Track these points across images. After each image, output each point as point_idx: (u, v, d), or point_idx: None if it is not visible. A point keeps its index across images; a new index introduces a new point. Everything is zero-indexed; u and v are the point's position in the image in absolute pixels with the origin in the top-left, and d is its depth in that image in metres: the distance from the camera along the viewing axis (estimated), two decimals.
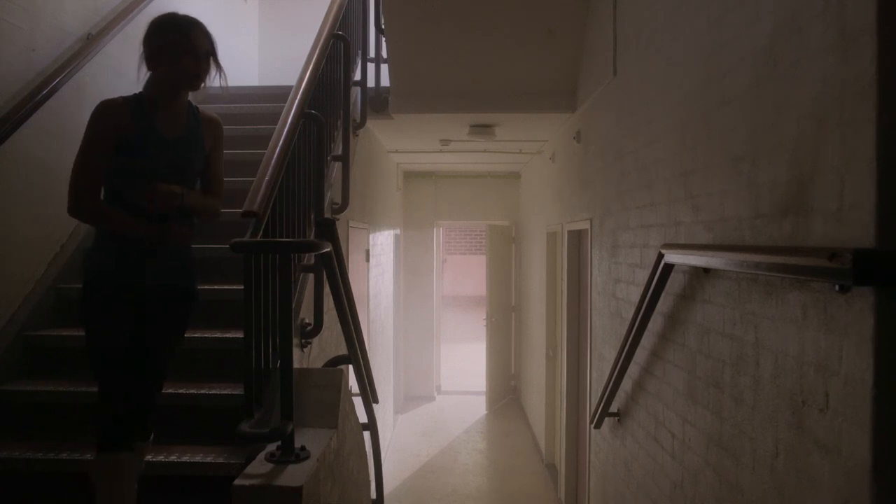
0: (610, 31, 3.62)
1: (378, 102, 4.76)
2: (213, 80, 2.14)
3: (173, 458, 2.28)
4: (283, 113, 2.77)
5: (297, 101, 2.84)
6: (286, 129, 2.66)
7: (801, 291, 1.60)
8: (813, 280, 1.52)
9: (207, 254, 3.20)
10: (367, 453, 3.37)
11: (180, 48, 2.03)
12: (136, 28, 3.91)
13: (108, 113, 1.98)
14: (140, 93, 2.08)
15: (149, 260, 2.04)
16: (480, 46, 4.40)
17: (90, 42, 3.35)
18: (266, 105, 4.49)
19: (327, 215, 3.41)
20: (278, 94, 3.64)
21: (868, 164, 1.35)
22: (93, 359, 1.99)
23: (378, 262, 6.49)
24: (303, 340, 2.89)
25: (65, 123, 3.22)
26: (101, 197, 2.03)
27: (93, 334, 2.00)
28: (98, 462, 1.93)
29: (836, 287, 1.41)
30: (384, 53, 4.67)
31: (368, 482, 3.38)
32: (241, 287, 2.23)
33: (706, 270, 2.25)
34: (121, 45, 3.74)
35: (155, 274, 2.06)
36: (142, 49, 2.04)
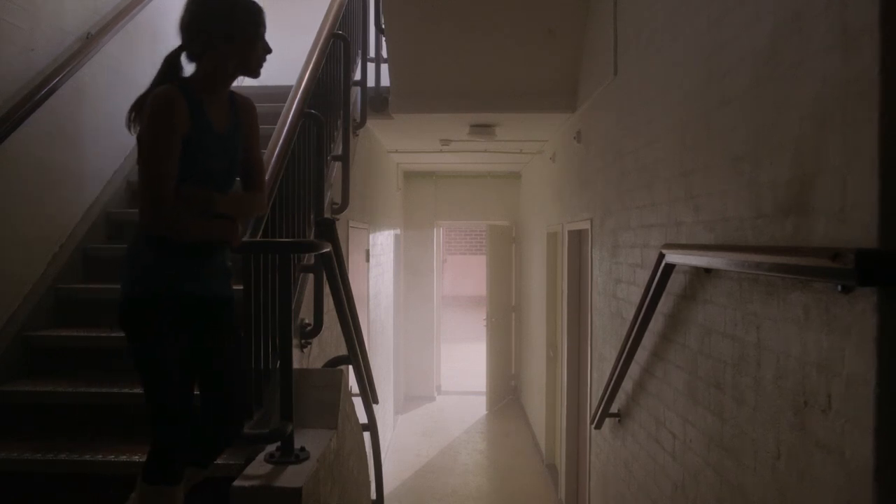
0: (610, 31, 3.61)
1: (378, 102, 4.75)
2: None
3: None
4: (283, 113, 2.77)
5: (296, 100, 2.83)
6: (286, 129, 2.66)
7: (802, 292, 1.60)
8: (815, 280, 1.51)
9: None
10: (367, 454, 3.37)
11: (260, 31, 1.84)
12: (136, 27, 3.91)
13: (175, 108, 1.73)
14: (186, 81, 1.83)
15: (206, 268, 1.87)
16: (481, 46, 4.40)
17: (90, 42, 3.34)
18: (266, 105, 4.46)
19: (327, 215, 3.40)
20: (278, 94, 3.62)
21: (870, 164, 1.34)
22: (153, 381, 1.77)
23: (378, 262, 6.48)
24: (302, 341, 2.88)
25: (64, 123, 3.21)
26: None
27: (153, 354, 1.77)
28: (147, 495, 1.76)
29: (839, 287, 1.40)
30: (384, 53, 4.67)
31: (368, 482, 3.37)
32: (241, 287, 2.22)
33: (707, 271, 2.24)
34: (120, 44, 3.74)
35: (213, 282, 1.89)
36: (206, 29, 1.78)
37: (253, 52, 1.83)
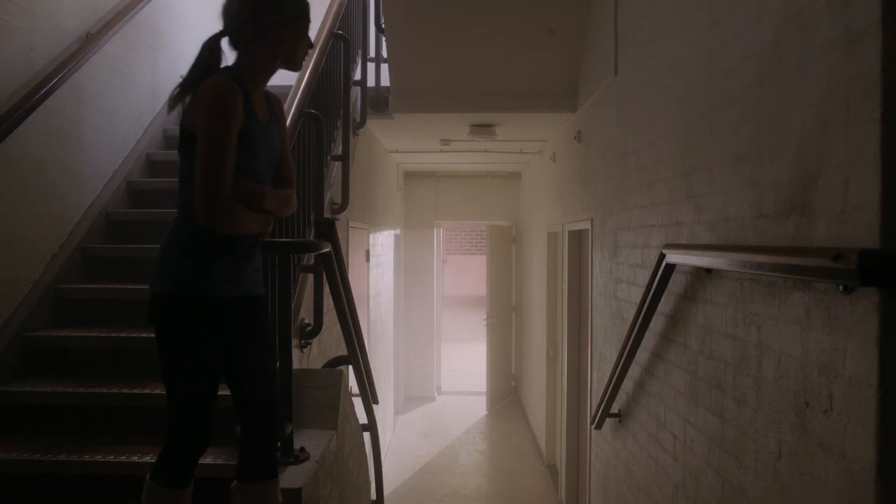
0: (611, 31, 3.60)
1: (378, 102, 4.75)
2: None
3: None
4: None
5: (296, 100, 2.82)
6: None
7: (804, 292, 1.59)
8: (816, 281, 1.51)
9: None
10: (367, 454, 3.36)
11: (307, 24, 1.81)
12: (136, 27, 3.91)
13: (236, 100, 1.66)
14: (233, 70, 1.76)
15: (249, 267, 1.82)
16: (481, 46, 4.39)
17: (89, 41, 3.33)
18: None
19: (327, 215, 3.40)
20: (278, 94, 3.63)
21: (873, 164, 1.33)
22: (181, 383, 1.73)
23: (378, 263, 6.48)
24: (302, 341, 2.87)
25: (63, 123, 3.20)
26: None
27: (189, 356, 1.72)
28: (153, 495, 1.74)
29: (840, 288, 1.39)
30: (384, 53, 4.66)
31: (368, 483, 3.37)
32: None
33: (708, 271, 2.23)
34: (120, 44, 3.73)
35: (251, 281, 1.84)
36: (256, 18, 1.73)
37: (299, 45, 1.80)
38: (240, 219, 1.69)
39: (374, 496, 3.63)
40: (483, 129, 5.37)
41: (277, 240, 2.53)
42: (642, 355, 3.01)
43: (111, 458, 2.26)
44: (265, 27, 1.74)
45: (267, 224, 1.81)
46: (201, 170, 1.62)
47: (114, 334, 2.80)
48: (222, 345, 1.78)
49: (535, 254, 7.38)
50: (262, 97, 1.84)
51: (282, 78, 3.76)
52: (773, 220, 1.76)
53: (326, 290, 2.91)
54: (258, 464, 1.86)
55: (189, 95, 1.73)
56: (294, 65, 1.83)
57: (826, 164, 1.51)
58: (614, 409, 3.49)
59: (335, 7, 3.68)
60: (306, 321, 2.92)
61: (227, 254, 1.74)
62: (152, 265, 3.36)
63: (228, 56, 1.81)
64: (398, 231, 8.59)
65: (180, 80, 1.75)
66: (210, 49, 1.76)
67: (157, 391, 2.52)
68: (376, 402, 3.59)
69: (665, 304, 2.69)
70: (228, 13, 1.77)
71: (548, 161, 6.25)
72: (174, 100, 1.75)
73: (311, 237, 3.00)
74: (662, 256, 2.53)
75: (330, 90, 3.58)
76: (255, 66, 1.77)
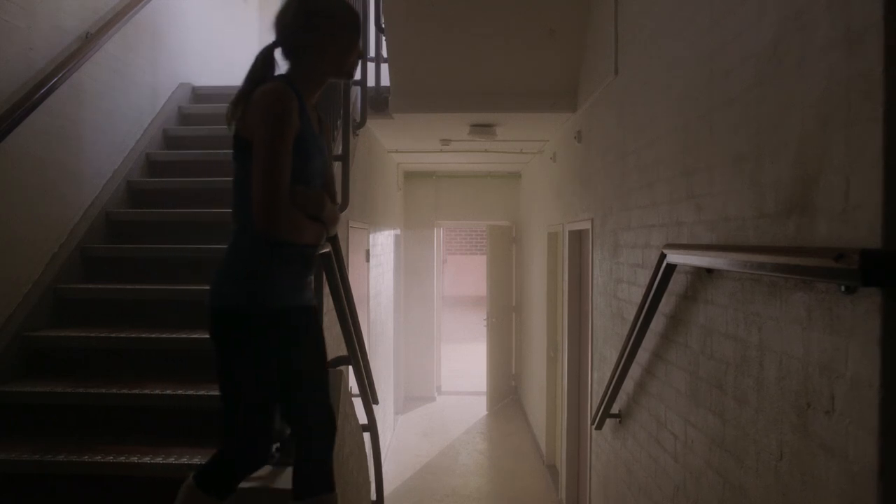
0: (611, 31, 3.60)
1: (378, 102, 4.74)
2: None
3: (171, 459, 2.26)
4: None
5: None
6: None
7: (805, 292, 1.59)
8: (818, 281, 1.50)
9: (205, 254, 3.19)
10: (367, 454, 3.36)
11: (359, 35, 1.82)
12: (135, 27, 3.91)
13: (292, 105, 1.67)
14: (287, 78, 1.78)
15: (309, 276, 1.83)
16: (481, 46, 4.39)
17: (89, 41, 3.33)
18: None
19: None
20: None
21: (874, 164, 1.33)
22: (242, 396, 1.73)
23: (378, 263, 6.47)
24: None
25: (63, 123, 3.20)
26: None
27: (254, 369, 1.72)
28: (193, 498, 1.74)
29: (842, 288, 1.39)
30: (384, 53, 4.65)
31: (368, 483, 3.36)
32: None
33: (709, 271, 2.23)
34: (120, 44, 3.73)
35: (309, 291, 1.84)
36: (312, 27, 1.75)
37: (351, 56, 1.81)
38: (297, 225, 1.68)
39: (374, 496, 3.62)
40: (483, 129, 5.37)
41: None
42: (643, 355, 3.01)
43: (111, 458, 2.26)
44: (319, 38, 1.75)
45: (320, 235, 1.79)
46: (260, 174, 1.61)
47: (114, 334, 2.80)
48: (286, 358, 1.77)
49: (535, 254, 7.38)
50: (314, 108, 1.86)
51: None
52: (774, 220, 1.76)
53: (326, 290, 2.90)
54: (317, 477, 1.83)
55: (244, 105, 1.72)
56: (345, 75, 1.85)
57: (827, 164, 1.51)
58: (615, 409, 3.48)
59: None
60: None
61: (290, 265, 1.73)
62: (153, 265, 3.36)
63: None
64: (398, 231, 8.58)
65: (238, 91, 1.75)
66: (264, 59, 1.78)
67: (157, 391, 2.52)
68: (376, 402, 3.59)
69: (666, 305, 2.68)
70: (282, 23, 1.78)
71: (548, 161, 6.25)
72: (232, 112, 1.75)
73: None
74: (663, 256, 2.53)
75: (330, 90, 3.58)
76: (308, 75, 1.78)
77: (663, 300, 2.67)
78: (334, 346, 3.58)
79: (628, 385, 3.28)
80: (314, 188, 1.78)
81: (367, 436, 3.35)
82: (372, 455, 3.50)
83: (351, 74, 1.85)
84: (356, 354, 3.17)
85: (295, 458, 1.84)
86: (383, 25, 4.54)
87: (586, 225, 4.38)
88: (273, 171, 1.60)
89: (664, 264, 2.53)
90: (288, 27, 1.77)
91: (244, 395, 1.74)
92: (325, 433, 1.84)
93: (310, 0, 1.77)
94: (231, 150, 1.75)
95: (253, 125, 1.66)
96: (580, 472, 5.15)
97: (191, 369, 2.75)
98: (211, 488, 1.74)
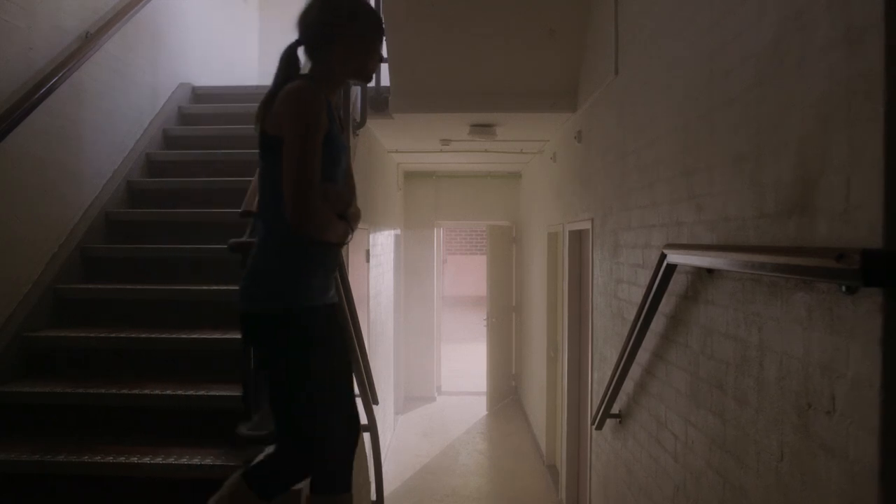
0: (611, 30, 3.60)
1: (378, 102, 4.74)
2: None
3: (171, 460, 2.26)
4: None
5: None
6: None
7: (806, 292, 1.58)
8: (819, 281, 1.50)
9: (205, 254, 3.19)
10: (367, 454, 3.35)
11: (381, 39, 1.87)
12: (135, 27, 3.90)
13: (322, 105, 1.69)
14: (311, 78, 1.80)
15: (334, 275, 1.86)
16: (481, 46, 4.38)
17: (88, 41, 3.33)
18: None
19: None
20: None
21: (875, 164, 1.32)
22: (298, 398, 1.74)
23: (378, 263, 6.47)
24: None
25: (63, 123, 3.20)
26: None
27: (308, 370, 1.74)
28: (240, 495, 1.74)
29: (843, 288, 1.39)
30: (384, 53, 4.65)
31: (368, 483, 3.36)
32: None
33: (709, 271, 2.23)
34: (120, 44, 3.73)
35: (334, 289, 1.88)
36: (337, 28, 1.77)
37: (372, 58, 1.84)
38: (328, 223, 1.70)
39: (374, 497, 3.62)
40: (483, 129, 5.37)
41: None
42: (643, 356, 3.01)
43: (111, 458, 2.26)
44: (342, 38, 1.77)
45: (347, 233, 1.81)
46: (294, 171, 1.62)
47: (113, 334, 2.80)
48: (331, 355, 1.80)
49: (535, 254, 7.38)
50: (336, 108, 1.87)
51: None
52: (775, 220, 1.76)
53: None
54: (340, 475, 1.86)
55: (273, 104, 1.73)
56: (365, 77, 1.87)
57: (827, 164, 1.50)
58: (615, 409, 3.48)
59: None
60: None
61: (319, 264, 1.75)
62: (152, 265, 3.36)
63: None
64: (398, 231, 8.58)
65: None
66: (288, 59, 1.79)
67: (157, 391, 2.52)
68: (376, 402, 3.58)
69: (666, 305, 2.68)
70: (305, 22, 1.80)
71: (548, 161, 6.25)
72: (262, 112, 1.76)
73: None
74: (663, 256, 2.52)
75: None
76: (329, 75, 1.80)
77: (663, 300, 2.67)
78: None
79: (628, 385, 3.27)
80: (341, 186, 1.81)
81: (367, 436, 3.34)
82: (372, 455, 3.50)
83: (370, 77, 1.88)
84: (356, 354, 3.17)
85: (318, 454, 1.83)
86: (383, 25, 4.53)
87: (586, 225, 4.38)
88: (307, 169, 1.61)
89: (664, 264, 2.53)
90: (311, 27, 1.79)
91: (289, 395, 1.74)
92: (352, 431, 1.88)
93: (334, 0, 1.79)
94: (252, 150, 1.81)
95: (283, 123, 1.66)
96: (580, 473, 5.15)
97: (191, 369, 2.75)
98: (262, 491, 1.74)
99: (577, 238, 5.08)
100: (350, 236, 1.83)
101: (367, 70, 1.84)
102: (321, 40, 1.77)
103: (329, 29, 1.76)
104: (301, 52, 1.80)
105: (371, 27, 1.82)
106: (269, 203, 1.71)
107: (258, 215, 1.78)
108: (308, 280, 1.73)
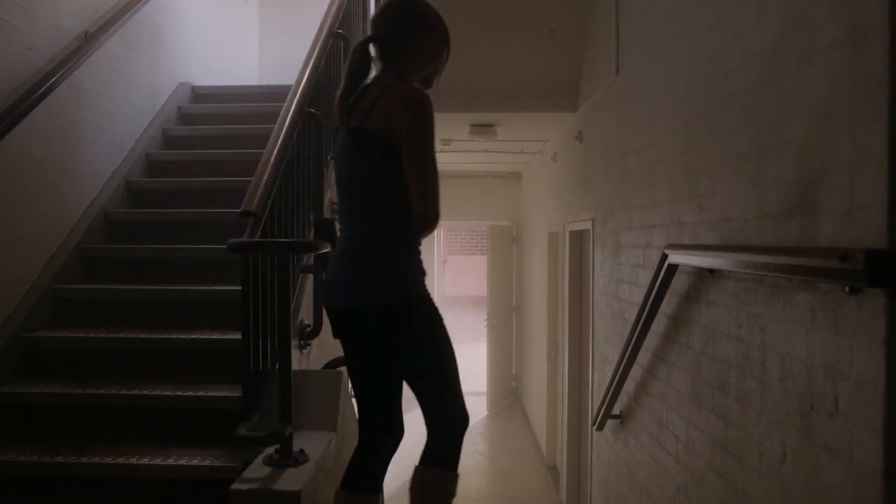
0: (612, 30, 3.59)
1: None
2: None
3: (170, 461, 2.25)
4: (282, 112, 2.75)
5: (296, 99, 2.81)
6: (285, 129, 2.63)
7: (809, 293, 1.58)
8: (822, 281, 1.49)
9: (205, 254, 3.18)
10: None
11: (448, 50, 1.95)
12: (135, 27, 3.89)
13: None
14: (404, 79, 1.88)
15: None
16: (482, 46, 4.38)
17: (88, 40, 3.32)
18: (266, 104, 4.46)
19: (327, 215, 3.38)
20: (278, 94, 3.62)
21: (879, 163, 1.32)
22: (396, 384, 1.98)
23: None
24: (302, 342, 2.86)
25: (63, 122, 3.19)
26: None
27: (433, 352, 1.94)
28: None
29: (846, 289, 1.38)
30: None
31: None
32: (240, 288, 2.20)
33: (711, 271, 2.22)
34: (119, 43, 3.72)
35: None
36: (416, 33, 1.86)
37: (438, 67, 1.93)
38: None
39: None
40: (484, 128, 5.36)
41: (276, 240, 2.52)
42: (644, 356, 3.00)
43: (110, 459, 2.25)
44: (419, 47, 1.86)
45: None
46: (426, 174, 1.72)
47: (113, 335, 2.79)
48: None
49: (535, 254, 7.37)
50: None
51: (282, 77, 3.72)
52: (777, 221, 1.75)
53: None
54: (453, 455, 2.07)
55: (352, 98, 1.82)
56: (429, 85, 1.94)
57: (831, 164, 1.50)
58: (616, 410, 3.47)
59: (335, 6, 3.66)
60: (306, 322, 2.90)
61: (419, 257, 1.89)
62: (152, 265, 3.35)
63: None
64: None
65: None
66: (361, 56, 1.86)
67: (157, 392, 2.51)
68: None
69: (667, 305, 2.67)
70: (380, 23, 1.87)
71: (548, 161, 6.24)
72: (348, 109, 1.84)
73: (311, 237, 2.98)
74: (665, 257, 2.52)
75: (330, 89, 3.57)
76: (399, 77, 1.85)
77: (665, 301, 2.66)
78: (334, 346, 3.57)
79: (629, 386, 3.27)
80: None
81: None
82: None
83: (431, 83, 1.94)
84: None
85: (432, 433, 2.07)
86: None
87: (587, 225, 4.37)
88: (436, 172, 1.74)
89: (666, 264, 2.52)
90: (389, 28, 1.85)
91: (392, 382, 1.95)
92: (465, 412, 2.07)
93: (412, 6, 1.87)
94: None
95: (404, 127, 1.72)
96: (581, 473, 5.14)
97: (190, 369, 2.74)
98: (363, 485, 1.92)
99: (578, 238, 5.07)
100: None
101: (432, 78, 1.94)
102: (398, 42, 1.84)
103: (408, 35, 1.84)
104: (372, 49, 1.87)
105: (444, 39, 1.91)
106: (374, 201, 1.80)
107: (349, 212, 1.87)
108: (417, 270, 1.86)
